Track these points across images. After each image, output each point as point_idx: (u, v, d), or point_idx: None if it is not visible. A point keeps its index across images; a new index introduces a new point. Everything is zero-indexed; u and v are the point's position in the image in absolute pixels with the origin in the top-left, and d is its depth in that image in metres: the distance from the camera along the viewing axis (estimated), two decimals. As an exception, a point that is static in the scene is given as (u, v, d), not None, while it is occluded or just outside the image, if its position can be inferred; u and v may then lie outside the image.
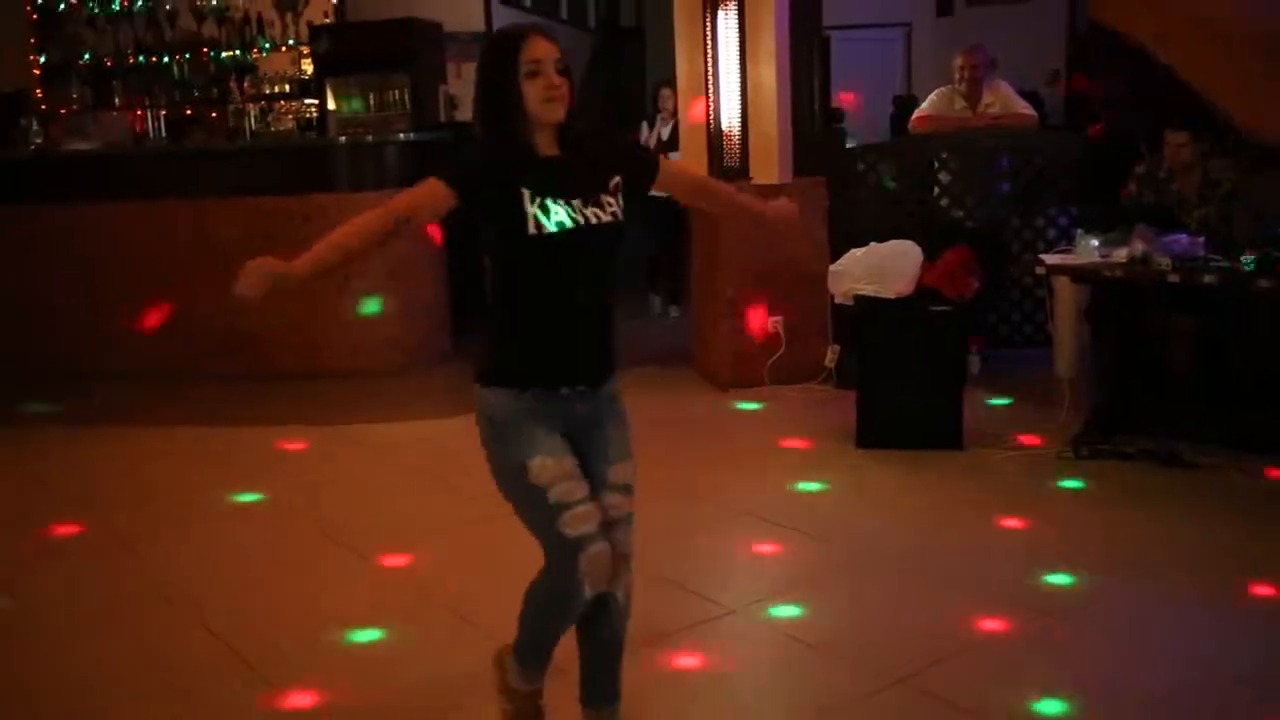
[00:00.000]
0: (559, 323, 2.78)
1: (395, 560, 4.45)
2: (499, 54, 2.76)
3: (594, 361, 2.85)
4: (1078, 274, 5.46)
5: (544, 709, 3.08)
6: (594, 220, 2.75)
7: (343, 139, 8.19)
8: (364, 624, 3.89)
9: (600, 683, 2.98)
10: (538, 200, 2.69)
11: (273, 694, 3.46)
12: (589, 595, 2.76)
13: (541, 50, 2.73)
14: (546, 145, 2.79)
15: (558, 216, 2.70)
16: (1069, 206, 6.82)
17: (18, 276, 7.85)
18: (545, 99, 2.72)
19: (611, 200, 2.80)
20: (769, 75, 6.56)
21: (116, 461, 5.99)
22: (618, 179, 2.84)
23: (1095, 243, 5.46)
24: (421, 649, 3.75)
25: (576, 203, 2.73)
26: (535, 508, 2.76)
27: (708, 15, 6.66)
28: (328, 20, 9.55)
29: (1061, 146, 7.15)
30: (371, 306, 6.95)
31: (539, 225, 2.68)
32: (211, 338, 7.61)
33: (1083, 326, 6.06)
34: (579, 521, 2.73)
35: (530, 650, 3.00)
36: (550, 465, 2.74)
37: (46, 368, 7.76)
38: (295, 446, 6.04)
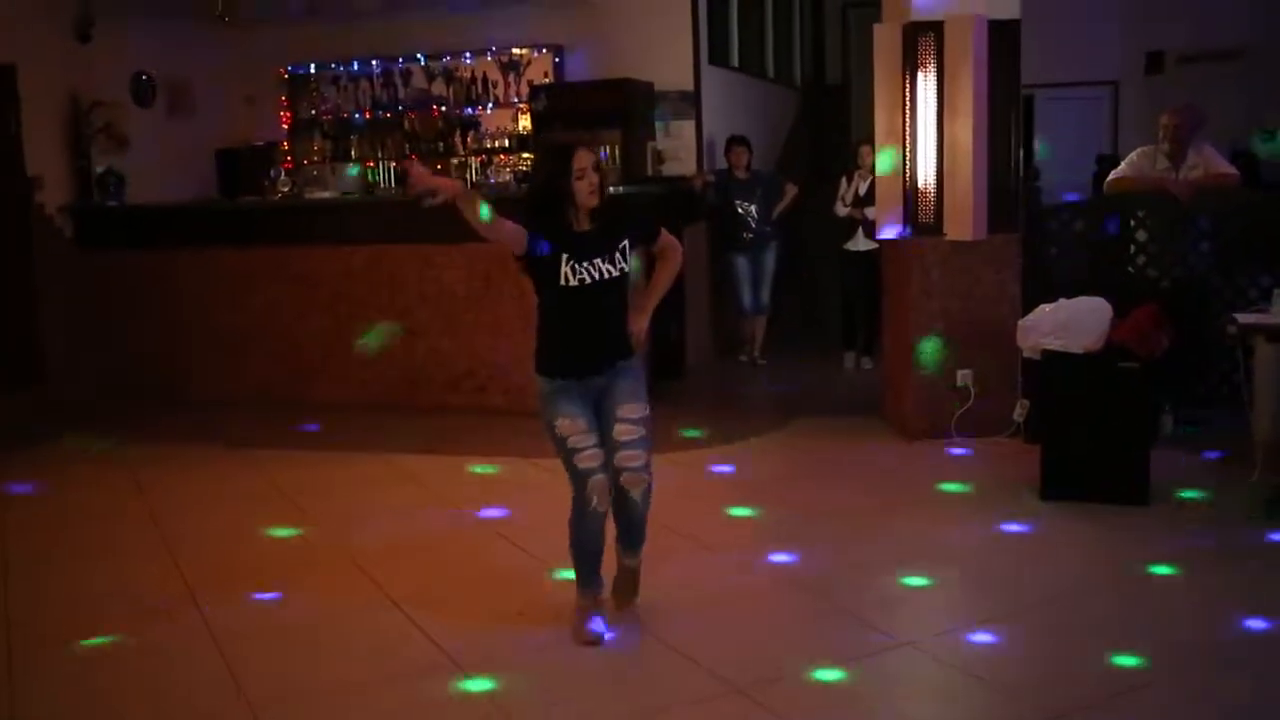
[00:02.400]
0: (580, 338, 4.18)
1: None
2: (557, 161, 4.10)
3: (605, 358, 4.19)
4: (1273, 333, 5.45)
5: (603, 603, 4.36)
6: (608, 275, 4.11)
7: (556, 191, 8.70)
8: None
9: (626, 536, 4.37)
10: (571, 263, 4.05)
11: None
12: (597, 508, 4.14)
13: (585, 159, 4.05)
14: (581, 222, 4.10)
15: (581, 274, 4.06)
16: (1273, 267, 6.74)
17: (263, 312, 8.65)
18: (589, 193, 4.06)
19: (621, 257, 4.13)
20: (966, 134, 6.72)
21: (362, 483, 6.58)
22: (625, 241, 4.15)
23: (1293, 303, 5.46)
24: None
25: (598, 261, 4.08)
26: (561, 449, 4.16)
27: (907, 75, 6.88)
28: (547, 80, 10.16)
29: (1267, 206, 7.06)
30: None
31: (568, 279, 4.06)
32: (434, 374, 8.23)
33: (1282, 389, 5.98)
34: (586, 460, 4.12)
35: (581, 571, 4.29)
36: (568, 424, 4.12)
37: (287, 396, 8.53)
38: (511, 476, 6.50)
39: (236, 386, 8.74)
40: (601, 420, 4.19)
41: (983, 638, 4.17)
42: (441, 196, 3.88)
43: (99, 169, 9.29)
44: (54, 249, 9.00)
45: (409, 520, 5.84)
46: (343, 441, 7.45)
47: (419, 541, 5.49)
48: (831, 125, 14.03)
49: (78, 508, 6.31)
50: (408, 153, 10.80)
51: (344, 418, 8.07)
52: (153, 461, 7.11)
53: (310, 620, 4.58)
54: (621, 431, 4.18)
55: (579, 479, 4.15)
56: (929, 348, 6.84)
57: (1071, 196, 10.01)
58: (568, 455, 4.15)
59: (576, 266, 4.06)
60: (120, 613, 4.69)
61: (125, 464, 7.04)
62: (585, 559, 4.29)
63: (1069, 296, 5.98)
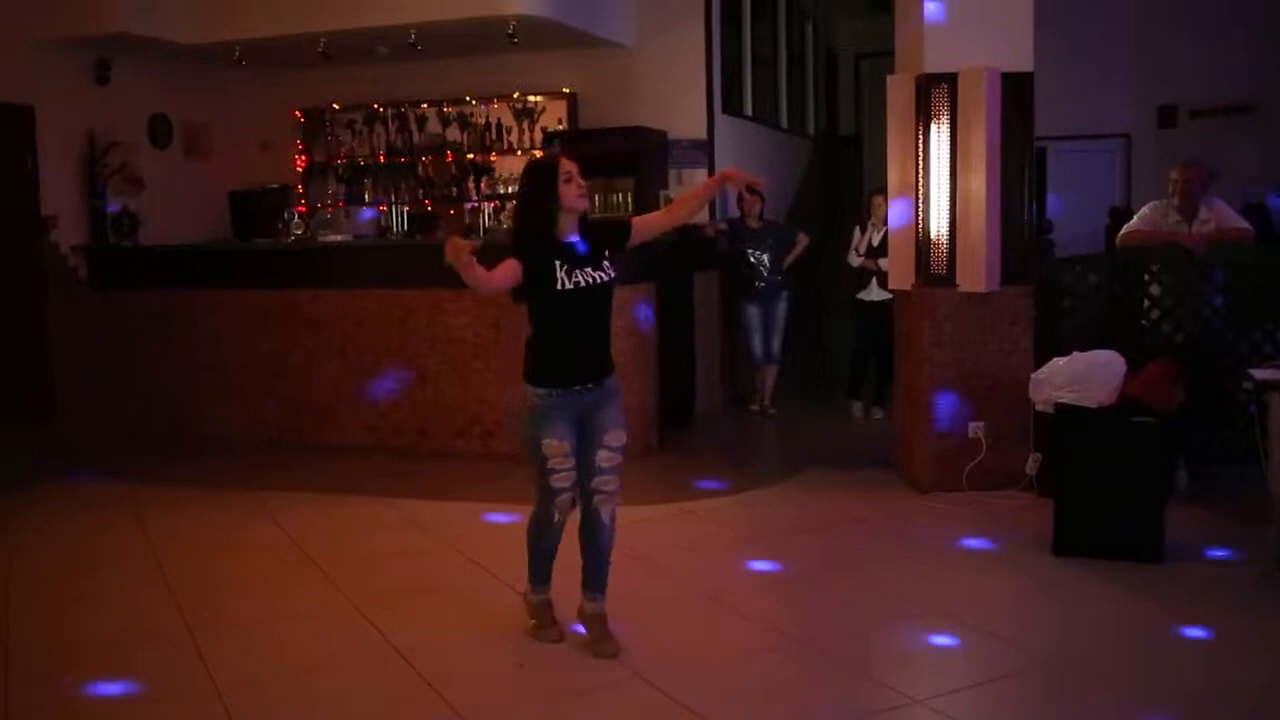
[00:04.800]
0: (572, 344, 4.40)
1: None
2: (546, 168, 4.38)
3: (595, 368, 4.43)
4: (1288, 390, 5.40)
5: (553, 608, 4.67)
6: (598, 281, 4.36)
7: (568, 237, 8.72)
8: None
9: (593, 576, 4.54)
10: (564, 268, 4.29)
11: None
12: (560, 521, 4.45)
13: (571, 166, 4.35)
14: (569, 231, 4.36)
15: (575, 279, 4.30)
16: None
17: (274, 354, 8.65)
18: (577, 195, 4.34)
19: (608, 264, 4.41)
20: (979, 185, 6.69)
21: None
22: (607, 250, 4.42)
23: (1309, 360, 5.41)
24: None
25: (588, 269, 4.34)
26: (540, 465, 4.40)
27: (920, 126, 6.88)
28: (561, 127, 10.20)
29: (1281, 262, 7.03)
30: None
31: (563, 283, 4.28)
32: (441, 419, 8.20)
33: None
34: (561, 480, 4.39)
35: (535, 571, 4.63)
36: (553, 444, 4.36)
37: (296, 439, 8.51)
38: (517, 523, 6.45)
39: (246, 429, 8.73)
40: (583, 439, 4.42)
41: (996, 697, 4.11)
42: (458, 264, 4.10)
43: (113, 209, 9.33)
44: (67, 289, 9.03)
45: (414, 567, 5.79)
46: (350, 486, 7.41)
47: (423, 588, 5.44)
48: (844, 175, 14.07)
49: (83, 548, 6.27)
50: (421, 196, 10.84)
51: (352, 462, 8.05)
52: (159, 503, 7.08)
53: (313, 666, 4.53)
54: (604, 458, 4.44)
55: (549, 494, 4.43)
56: None
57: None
58: (545, 473, 4.40)
59: (572, 271, 4.30)
60: (122, 656, 4.65)
61: (132, 505, 7.01)
62: (543, 555, 4.60)
63: (1082, 350, 5.94)
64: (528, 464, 4.49)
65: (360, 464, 8.02)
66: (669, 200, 9.90)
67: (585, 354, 4.43)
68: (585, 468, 4.43)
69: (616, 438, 4.46)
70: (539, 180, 4.39)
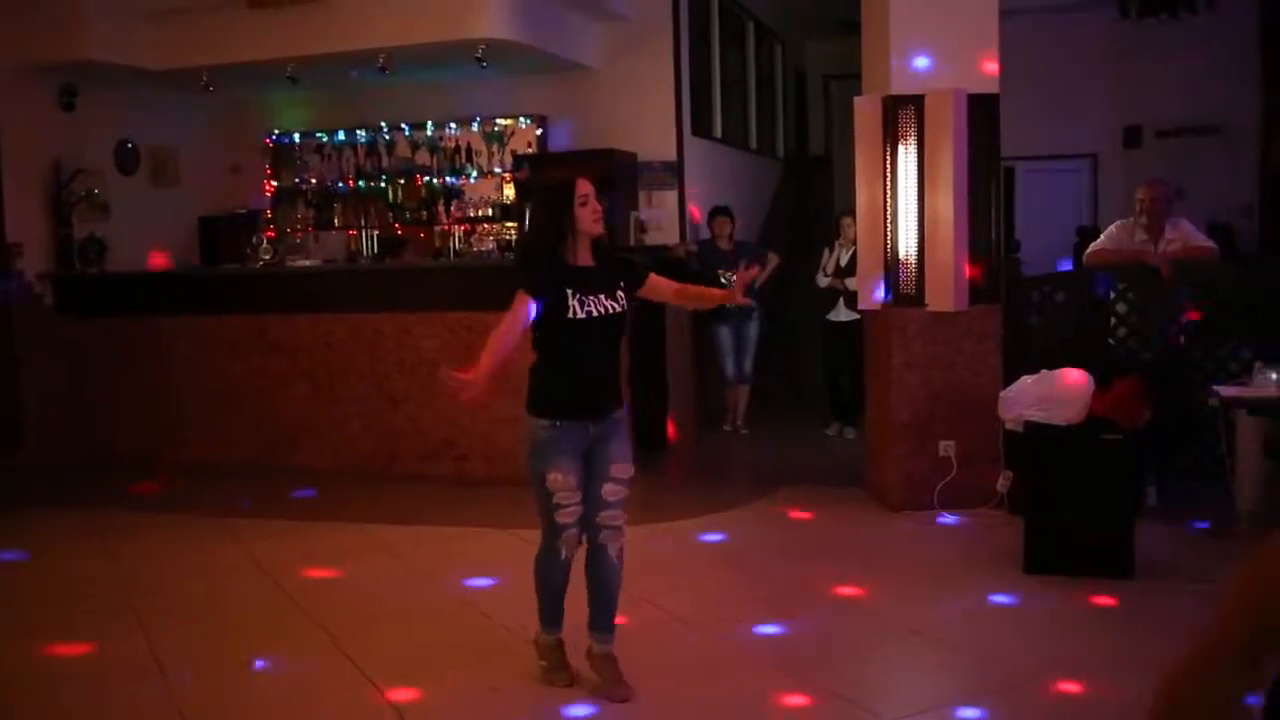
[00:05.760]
0: (580, 375, 4.17)
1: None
2: (562, 190, 4.17)
3: (603, 400, 4.22)
4: (1254, 406, 5.45)
5: (565, 653, 4.42)
6: (610, 311, 4.15)
7: (538, 260, 8.70)
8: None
9: (600, 616, 4.33)
10: (576, 295, 4.07)
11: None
12: (566, 558, 4.23)
13: (587, 188, 4.16)
14: (584, 256, 4.16)
15: (587, 307, 4.08)
16: (1252, 339, 6.76)
17: (243, 379, 8.60)
18: (594, 219, 4.14)
19: (622, 295, 4.20)
20: (946, 206, 6.73)
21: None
22: (622, 283, 4.22)
23: (1275, 375, 5.46)
24: None
25: (601, 296, 4.13)
26: (544, 500, 4.18)
27: (888, 148, 6.92)
28: (531, 150, 10.21)
29: (1246, 279, 7.10)
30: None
31: (574, 311, 4.06)
32: (412, 443, 8.16)
33: (1264, 460, 5.97)
34: (566, 516, 4.17)
35: (545, 612, 4.38)
36: (559, 478, 4.12)
37: (266, 465, 8.45)
38: (489, 547, 6.42)
39: (215, 454, 8.66)
40: (589, 472, 4.20)
41: (968, 715, 4.10)
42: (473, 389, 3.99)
43: (80, 236, 9.27)
44: (34, 316, 8.95)
45: (384, 592, 5.74)
46: (320, 511, 7.37)
47: (394, 614, 5.39)
48: (814, 196, 14.12)
49: (50, 576, 6.19)
50: (391, 220, 10.82)
51: (322, 487, 7.99)
52: (127, 529, 7.01)
53: (283, 694, 4.48)
54: (610, 491, 4.22)
55: (554, 530, 4.22)
56: None
57: (1065, 264, 10.10)
58: (550, 508, 4.18)
59: (583, 299, 4.08)
60: (88, 683, 4.58)
61: (100, 532, 6.93)
62: (552, 595, 4.38)
63: (1050, 368, 5.98)
64: (534, 497, 4.25)
65: (330, 488, 7.96)
66: (640, 222, 9.94)
67: (593, 385, 4.20)
68: (591, 502, 4.20)
69: (623, 471, 4.25)
70: (553, 202, 4.19)
